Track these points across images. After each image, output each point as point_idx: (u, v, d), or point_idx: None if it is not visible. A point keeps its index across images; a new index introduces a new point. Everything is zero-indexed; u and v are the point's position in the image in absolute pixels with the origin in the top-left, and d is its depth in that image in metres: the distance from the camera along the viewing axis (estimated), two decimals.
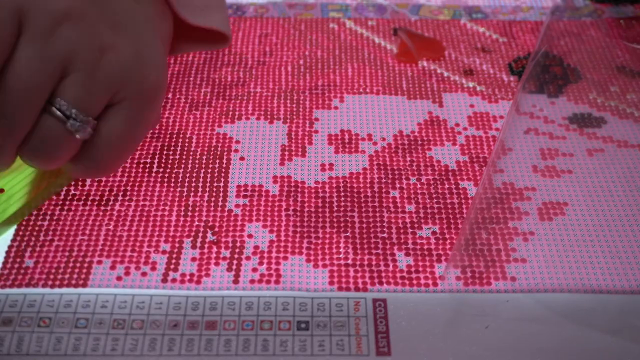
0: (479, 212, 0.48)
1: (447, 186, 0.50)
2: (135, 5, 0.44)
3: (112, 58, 0.41)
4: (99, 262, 0.45)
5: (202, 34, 0.54)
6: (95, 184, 0.50)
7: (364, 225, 0.48)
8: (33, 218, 0.48)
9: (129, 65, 0.41)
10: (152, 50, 0.44)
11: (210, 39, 0.55)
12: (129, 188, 0.50)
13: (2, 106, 0.38)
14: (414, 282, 0.45)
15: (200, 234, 0.47)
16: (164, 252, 0.46)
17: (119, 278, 0.44)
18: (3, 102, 0.38)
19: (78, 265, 0.45)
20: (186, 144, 0.53)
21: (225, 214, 0.48)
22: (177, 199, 0.49)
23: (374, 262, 0.46)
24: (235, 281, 0.44)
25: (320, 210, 0.49)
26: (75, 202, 0.48)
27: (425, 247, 0.46)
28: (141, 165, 0.51)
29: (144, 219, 0.48)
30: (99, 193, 0.49)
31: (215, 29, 0.53)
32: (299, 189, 0.50)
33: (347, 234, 0.47)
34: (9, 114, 0.38)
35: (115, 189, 0.49)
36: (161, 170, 0.51)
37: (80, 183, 0.50)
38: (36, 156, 0.41)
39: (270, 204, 0.49)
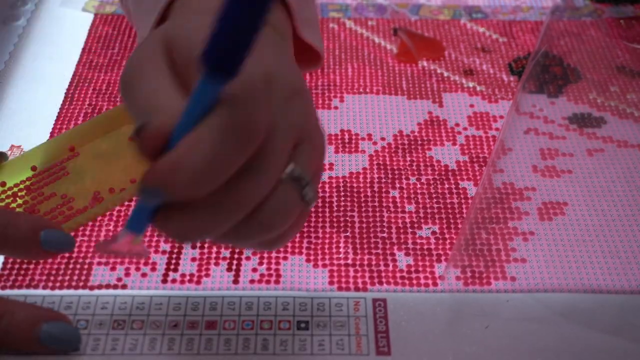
0: (478, 212, 0.48)
1: (447, 186, 0.50)
2: (286, 43, 0.43)
3: (320, 132, 0.39)
4: (99, 264, 0.45)
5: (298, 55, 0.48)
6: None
7: (364, 225, 0.48)
8: None
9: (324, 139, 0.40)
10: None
11: (302, 59, 0.49)
12: None
13: (264, 163, 0.35)
14: (414, 282, 0.45)
15: None
16: (164, 252, 0.46)
17: (119, 279, 0.44)
18: (266, 159, 0.35)
19: (78, 266, 0.45)
20: None
21: None
22: None
23: (373, 262, 0.46)
24: (235, 281, 0.44)
25: (320, 210, 0.49)
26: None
27: (425, 247, 0.46)
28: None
29: None
30: None
31: (315, 49, 0.49)
32: None
33: (347, 234, 0.47)
34: (268, 171, 0.35)
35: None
36: None
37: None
38: (272, 221, 0.36)
39: None
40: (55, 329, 0.39)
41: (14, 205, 0.48)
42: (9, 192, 0.48)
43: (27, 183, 0.49)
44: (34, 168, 0.49)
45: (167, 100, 0.34)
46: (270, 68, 0.36)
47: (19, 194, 0.48)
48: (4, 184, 0.49)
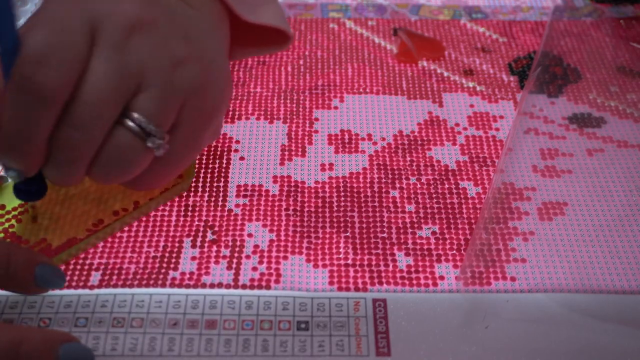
0: (478, 212, 0.48)
1: (447, 186, 0.50)
2: (199, 13, 0.42)
3: (183, 74, 0.38)
4: (99, 264, 0.45)
5: (259, 36, 0.49)
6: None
7: (364, 225, 0.48)
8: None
9: (197, 83, 0.39)
10: (217, 65, 0.41)
11: (267, 41, 0.50)
12: None
13: (77, 117, 0.36)
14: (414, 282, 0.45)
15: (200, 234, 0.47)
16: (164, 251, 0.46)
17: (118, 278, 0.44)
18: (78, 114, 0.36)
19: (78, 267, 0.45)
20: None
21: (225, 213, 0.48)
22: (177, 198, 0.49)
23: (373, 262, 0.46)
24: (235, 280, 0.44)
25: (320, 210, 0.49)
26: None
27: (425, 247, 0.46)
28: None
29: (143, 218, 0.48)
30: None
31: (274, 27, 0.48)
32: (299, 189, 0.50)
33: (347, 234, 0.47)
34: (84, 125, 0.36)
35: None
36: None
37: None
38: (109, 170, 0.38)
39: (270, 203, 0.49)
40: (72, 349, 0.39)
41: (13, 230, 0.46)
42: (9, 216, 0.46)
43: (27, 205, 0.47)
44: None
45: None
46: (92, 11, 0.37)
47: (19, 217, 0.46)
48: (3, 207, 0.47)
